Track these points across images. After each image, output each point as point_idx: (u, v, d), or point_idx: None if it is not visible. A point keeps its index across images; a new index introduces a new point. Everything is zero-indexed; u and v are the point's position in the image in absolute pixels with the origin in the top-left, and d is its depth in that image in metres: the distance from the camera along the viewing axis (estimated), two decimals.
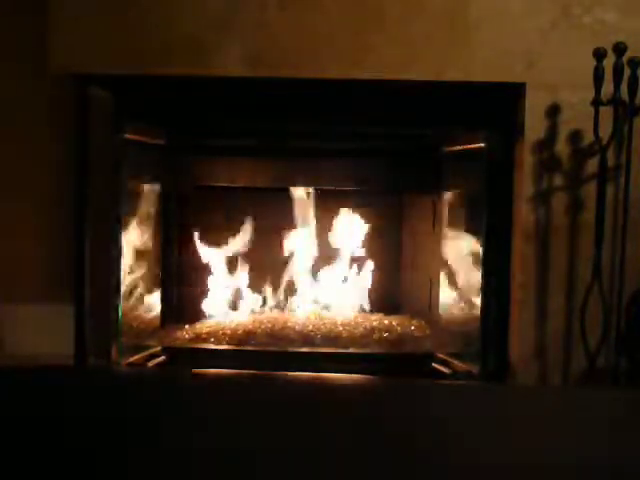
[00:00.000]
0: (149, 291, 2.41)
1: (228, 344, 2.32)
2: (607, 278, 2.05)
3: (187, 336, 2.37)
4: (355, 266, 2.61)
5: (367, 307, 2.61)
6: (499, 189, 2.14)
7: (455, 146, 2.32)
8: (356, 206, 2.61)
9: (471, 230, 2.28)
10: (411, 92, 2.13)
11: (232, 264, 2.58)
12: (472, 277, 2.27)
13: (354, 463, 0.90)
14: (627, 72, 1.93)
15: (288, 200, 2.58)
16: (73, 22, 2.03)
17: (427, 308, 2.56)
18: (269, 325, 2.41)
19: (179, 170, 2.46)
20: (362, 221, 2.61)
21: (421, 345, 2.35)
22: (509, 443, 0.99)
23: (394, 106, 2.18)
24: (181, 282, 2.59)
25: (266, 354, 2.28)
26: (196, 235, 2.55)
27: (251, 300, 2.58)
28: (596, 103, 1.95)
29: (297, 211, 2.58)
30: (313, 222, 2.60)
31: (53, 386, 1.17)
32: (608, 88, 1.94)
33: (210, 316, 2.51)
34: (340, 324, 2.43)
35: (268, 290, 2.60)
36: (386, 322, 2.48)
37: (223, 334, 2.35)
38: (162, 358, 2.27)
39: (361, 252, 2.62)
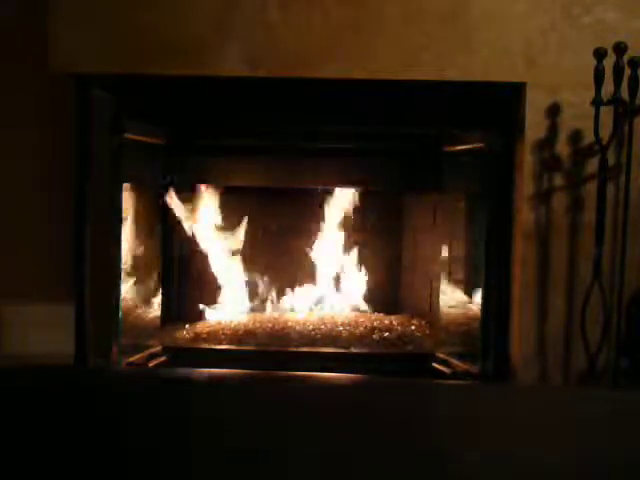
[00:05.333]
0: (149, 291, 2.40)
1: (228, 344, 2.32)
2: (607, 278, 2.05)
3: (187, 336, 2.38)
4: (355, 266, 2.61)
5: (367, 307, 2.61)
6: (499, 189, 2.14)
7: (455, 146, 2.31)
8: (356, 206, 2.61)
9: (471, 229, 2.28)
10: (411, 92, 2.13)
11: (232, 264, 2.58)
12: (472, 277, 2.27)
13: (354, 463, 0.90)
14: (627, 72, 1.93)
15: (288, 200, 2.58)
16: (73, 22, 2.03)
17: (427, 308, 2.56)
18: (269, 325, 2.42)
19: (179, 170, 2.46)
20: (362, 221, 2.61)
21: (421, 345, 2.36)
22: (509, 443, 0.99)
23: (394, 106, 2.17)
24: (181, 282, 2.58)
25: (266, 354, 2.28)
26: (196, 235, 2.55)
27: (251, 300, 2.58)
28: (596, 103, 1.95)
29: (298, 211, 2.59)
30: (313, 222, 2.60)
31: (53, 386, 1.17)
32: (608, 88, 1.94)
33: (210, 316, 2.51)
34: (340, 324, 2.43)
35: (268, 290, 2.60)
36: (386, 322, 2.48)
37: (223, 334, 2.36)
38: (162, 358, 2.27)
39: (361, 252, 2.62)
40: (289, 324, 2.42)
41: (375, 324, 2.45)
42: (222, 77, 2.07)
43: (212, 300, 2.56)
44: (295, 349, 2.29)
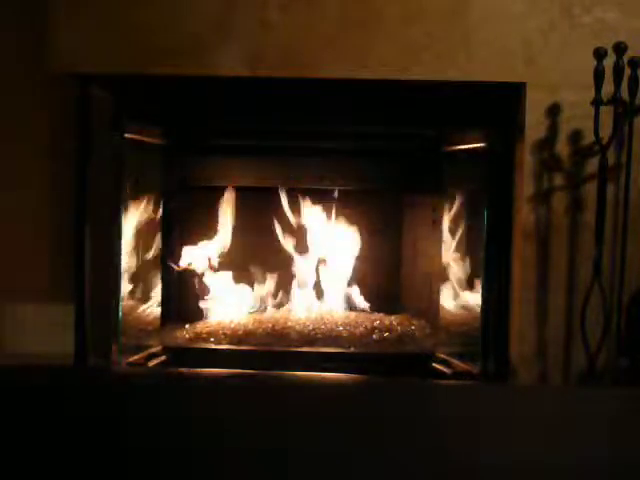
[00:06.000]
0: (149, 291, 2.40)
1: (228, 344, 2.32)
2: (607, 278, 2.05)
3: (187, 336, 2.37)
4: (355, 266, 2.61)
5: (367, 307, 2.61)
6: (499, 189, 2.14)
7: (455, 146, 2.31)
8: (356, 206, 2.61)
9: (471, 230, 2.28)
10: (411, 92, 2.13)
11: (232, 264, 2.58)
12: (472, 277, 2.27)
13: (354, 463, 0.90)
14: (627, 72, 1.93)
15: (288, 200, 2.58)
16: (73, 22, 2.03)
17: (427, 308, 2.56)
18: (269, 325, 2.41)
19: (179, 170, 2.46)
20: (362, 221, 2.61)
21: (421, 345, 2.36)
22: (509, 443, 0.99)
23: (394, 106, 2.18)
24: (181, 282, 2.58)
25: (266, 354, 2.28)
26: (196, 235, 2.55)
27: (251, 300, 2.58)
28: (596, 103, 1.95)
29: (297, 211, 2.59)
30: (313, 222, 2.60)
31: (53, 386, 1.17)
32: (608, 88, 1.94)
33: (210, 316, 2.51)
34: (340, 324, 2.43)
35: (268, 290, 2.60)
36: (386, 322, 2.48)
37: (223, 334, 2.35)
38: (162, 358, 2.27)
39: (361, 252, 2.62)
40: (289, 324, 2.42)
41: (375, 324, 2.44)
42: (222, 77, 2.07)
43: (211, 300, 2.55)
44: (295, 349, 2.29)
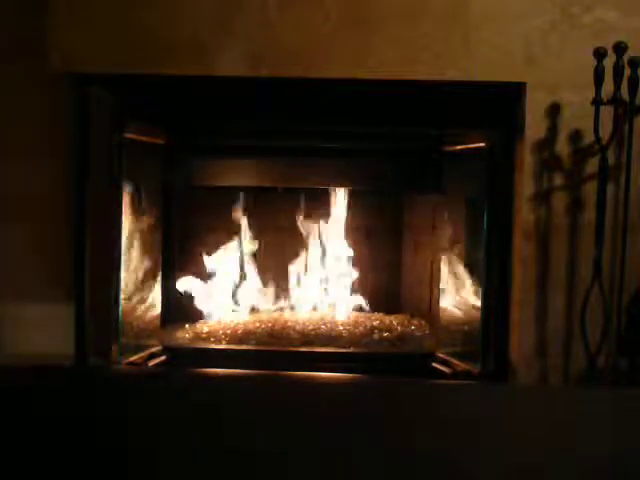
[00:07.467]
0: (149, 291, 2.40)
1: (228, 344, 2.32)
2: (607, 278, 2.05)
3: (187, 336, 2.38)
4: (355, 266, 2.61)
5: (367, 307, 2.61)
6: (499, 189, 2.14)
7: (455, 146, 2.31)
8: (356, 206, 2.61)
9: (471, 230, 2.28)
10: (411, 92, 2.13)
11: (232, 264, 2.58)
12: (472, 277, 2.27)
13: (354, 463, 0.90)
14: (627, 72, 1.93)
15: (288, 200, 2.58)
16: (73, 22, 2.03)
17: (427, 308, 2.56)
18: (269, 325, 2.42)
19: (179, 170, 2.46)
20: (362, 221, 2.61)
21: (421, 345, 2.36)
22: (509, 443, 0.99)
23: (394, 106, 2.18)
24: (182, 282, 2.58)
25: (266, 354, 2.28)
26: (196, 235, 2.55)
27: (251, 300, 2.58)
28: (596, 103, 1.95)
29: (298, 211, 2.59)
30: (313, 221, 2.60)
31: (53, 386, 1.17)
32: (608, 88, 1.94)
33: (210, 316, 2.51)
34: (340, 324, 2.43)
35: (268, 290, 2.60)
36: (386, 322, 2.48)
37: (223, 334, 2.36)
38: (162, 358, 2.27)
39: (361, 252, 2.62)
40: (289, 324, 2.42)
41: (375, 324, 2.44)
42: (222, 77, 2.07)
43: (211, 300, 2.55)
44: (295, 349, 2.29)
